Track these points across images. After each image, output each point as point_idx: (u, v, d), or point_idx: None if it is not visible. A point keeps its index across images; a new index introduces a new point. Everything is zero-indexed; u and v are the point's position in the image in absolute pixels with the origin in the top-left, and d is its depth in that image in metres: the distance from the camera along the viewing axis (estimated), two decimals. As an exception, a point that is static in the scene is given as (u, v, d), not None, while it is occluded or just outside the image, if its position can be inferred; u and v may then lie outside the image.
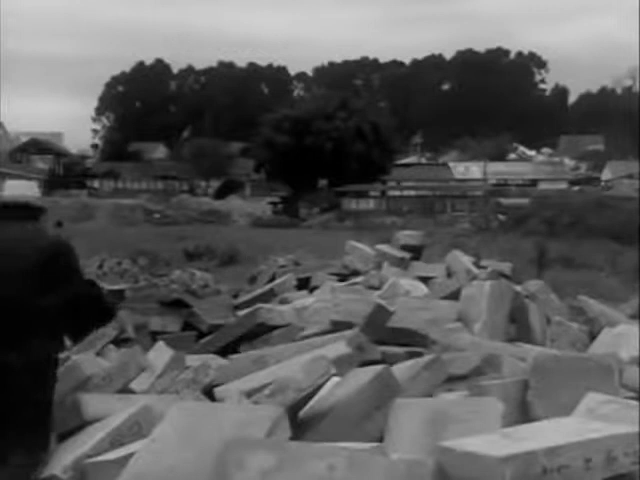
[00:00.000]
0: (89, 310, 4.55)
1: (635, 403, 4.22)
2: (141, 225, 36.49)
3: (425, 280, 9.93)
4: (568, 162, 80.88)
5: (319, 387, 4.77)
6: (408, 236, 12.44)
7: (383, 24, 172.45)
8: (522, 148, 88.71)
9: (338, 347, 5.72)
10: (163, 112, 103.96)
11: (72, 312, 4.38)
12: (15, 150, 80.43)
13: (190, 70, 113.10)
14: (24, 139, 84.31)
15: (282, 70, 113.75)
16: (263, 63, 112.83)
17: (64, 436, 4.79)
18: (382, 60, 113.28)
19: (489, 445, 3.51)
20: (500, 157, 78.30)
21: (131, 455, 4.09)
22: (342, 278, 10.75)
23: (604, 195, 40.61)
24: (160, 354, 6.33)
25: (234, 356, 6.87)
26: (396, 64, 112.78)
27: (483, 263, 11.16)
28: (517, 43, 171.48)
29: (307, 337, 6.89)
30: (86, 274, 7.33)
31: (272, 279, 11.31)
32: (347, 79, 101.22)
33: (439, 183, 59.77)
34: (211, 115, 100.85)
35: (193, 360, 6.37)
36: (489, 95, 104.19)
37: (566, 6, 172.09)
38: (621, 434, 3.54)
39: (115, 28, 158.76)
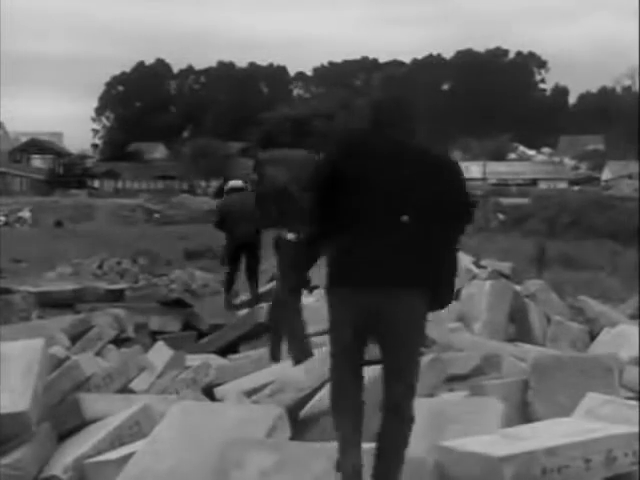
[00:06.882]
0: None
1: (635, 403, 4.22)
2: (141, 225, 36.42)
3: (425, 280, 9.91)
4: (568, 162, 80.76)
5: (319, 387, 4.76)
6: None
7: (383, 24, 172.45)
8: (522, 148, 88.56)
9: (338, 347, 5.70)
10: (163, 112, 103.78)
11: None
12: (15, 150, 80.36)
13: (190, 70, 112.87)
14: (24, 139, 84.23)
15: (282, 70, 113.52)
16: (263, 63, 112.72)
17: (64, 436, 4.79)
18: (382, 60, 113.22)
19: (489, 445, 3.52)
20: (500, 157, 78.23)
21: (131, 455, 4.09)
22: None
23: (604, 195, 40.52)
24: (160, 354, 6.33)
25: (234, 356, 6.87)
26: (396, 64, 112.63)
27: (483, 263, 11.14)
28: (517, 43, 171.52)
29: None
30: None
31: (272, 279, 11.30)
32: (347, 79, 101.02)
33: (439, 183, 59.63)
34: (211, 115, 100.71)
35: (193, 360, 6.37)
36: (489, 95, 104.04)
37: (566, 6, 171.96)
38: (621, 434, 3.54)
39: (115, 28, 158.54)
